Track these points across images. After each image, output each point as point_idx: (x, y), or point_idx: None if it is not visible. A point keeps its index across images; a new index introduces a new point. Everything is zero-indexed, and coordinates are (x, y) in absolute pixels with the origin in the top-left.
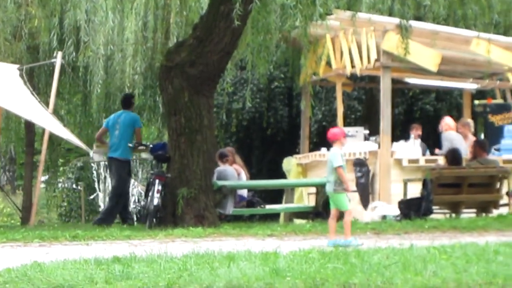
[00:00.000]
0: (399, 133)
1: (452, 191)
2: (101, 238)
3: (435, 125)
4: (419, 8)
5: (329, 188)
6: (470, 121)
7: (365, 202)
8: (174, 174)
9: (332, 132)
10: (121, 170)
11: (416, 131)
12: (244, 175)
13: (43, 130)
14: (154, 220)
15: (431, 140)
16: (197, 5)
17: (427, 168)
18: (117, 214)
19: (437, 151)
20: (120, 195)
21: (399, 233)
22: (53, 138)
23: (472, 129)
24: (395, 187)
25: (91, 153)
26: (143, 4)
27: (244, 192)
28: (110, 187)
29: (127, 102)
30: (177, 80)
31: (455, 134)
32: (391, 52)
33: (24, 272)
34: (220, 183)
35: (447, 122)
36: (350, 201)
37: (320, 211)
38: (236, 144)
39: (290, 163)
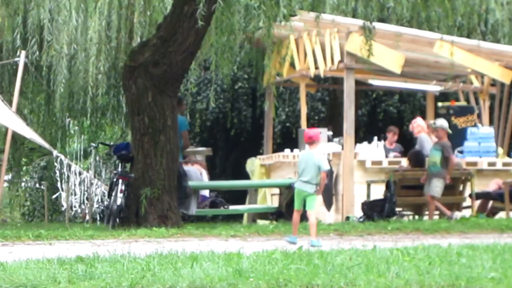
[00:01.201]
0: (363, 134)
1: (415, 193)
2: (64, 238)
3: (398, 127)
4: (383, 9)
5: (309, 189)
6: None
7: (328, 204)
8: (137, 174)
9: (312, 132)
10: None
11: (393, 136)
12: (205, 174)
13: (6, 129)
14: (117, 220)
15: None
16: (160, 5)
17: (390, 170)
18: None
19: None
20: (185, 195)
21: (362, 234)
22: (16, 137)
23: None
24: (358, 189)
25: (54, 153)
26: (106, 4)
27: (206, 192)
28: (73, 187)
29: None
30: (140, 80)
31: (427, 137)
32: (355, 53)
33: None
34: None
35: (419, 123)
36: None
37: (283, 212)
38: (200, 144)
39: (253, 164)
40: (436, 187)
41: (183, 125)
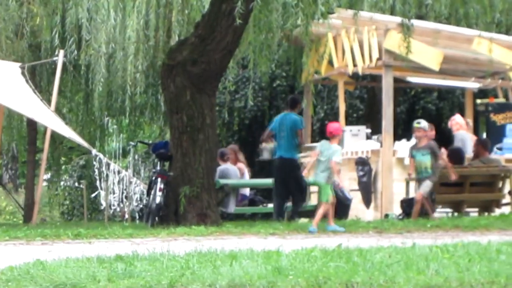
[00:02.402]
0: (401, 132)
1: (454, 190)
2: (103, 236)
3: (437, 124)
4: (421, 6)
5: (321, 179)
6: (469, 120)
7: (367, 201)
8: (176, 173)
9: (333, 127)
10: (296, 169)
11: (429, 132)
12: (247, 174)
13: (45, 128)
14: (157, 218)
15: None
16: (198, 4)
17: None
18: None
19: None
20: (303, 190)
21: (401, 232)
22: (55, 137)
23: (472, 129)
24: (397, 186)
25: (93, 151)
26: (144, 3)
27: (246, 191)
28: (112, 186)
29: (292, 103)
30: (179, 78)
31: (466, 134)
32: (393, 51)
33: (27, 270)
34: (222, 181)
35: (458, 121)
36: (352, 200)
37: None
38: (238, 143)
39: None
40: (426, 186)
41: (299, 124)
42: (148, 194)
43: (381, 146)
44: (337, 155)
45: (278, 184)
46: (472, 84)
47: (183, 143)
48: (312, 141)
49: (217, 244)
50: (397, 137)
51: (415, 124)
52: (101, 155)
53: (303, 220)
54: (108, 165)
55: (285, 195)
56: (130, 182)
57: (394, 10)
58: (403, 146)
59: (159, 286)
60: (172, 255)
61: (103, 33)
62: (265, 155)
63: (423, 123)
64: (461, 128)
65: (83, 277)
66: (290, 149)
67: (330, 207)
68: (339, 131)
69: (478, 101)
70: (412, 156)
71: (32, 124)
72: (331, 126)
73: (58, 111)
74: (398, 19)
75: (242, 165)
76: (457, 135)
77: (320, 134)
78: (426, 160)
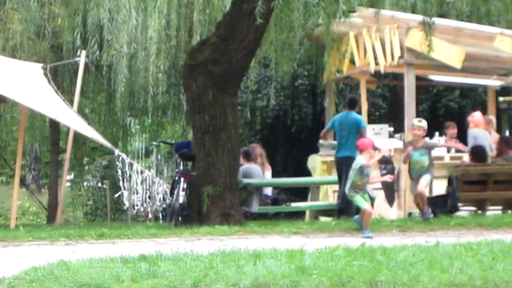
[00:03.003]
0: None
1: (477, 188)
2: (127, 236)
3: (459, 122)
4: (443, 5)
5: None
6: (492, 117)
7: (390, 200)
8: (199, 172)
9: (360, 141)
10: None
11: (452, 130)
12: (269, 173)
13: (68, 128)
14: (180, 218)
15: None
16: (220, 3)
17: (453, 165)
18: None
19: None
20: None
21: (424, 230)
22: (78, 137)
23: (494, 126)
24: None
25: (115, 152)
26: (166, 3)
27: (269, 190)
28: (135, 186)
29: (352, 103)
30: (201, 78)
31: (480, 131)
32: (415, 49)
33: (51, 271)
34: (245, 181)
35: (474, 119)
36: (375, 199)
37: (345, 209)
38: (261, 142)
39: (315, 161)
40: (425, 181)
41: (362, 123)
42: (171, 194)
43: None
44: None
45: (340, 182)
46: (494, 82)
47: (205, 142)
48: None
49: (241, 243)
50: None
51: (415, 122)
52: (124, 155)
53: (326, 219)
54: (131, 165)
55: None
56: (153, 182)
57: (416, 8)
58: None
59: (182, 286)
60: (196, 255)
61: (124, 33)
62: (323, 151)
63: (423, 122)
64: (477, 126)
65: (106, 278)
66: (352, 148)
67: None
68: (365, 146)
69: (501, 99)
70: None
71: (54, 125)
72: (359, 141)
73: (80, 111)
74: (419, 18)
75: (264, 165)
76: (470, 133)
77: None
78: (424, 159)
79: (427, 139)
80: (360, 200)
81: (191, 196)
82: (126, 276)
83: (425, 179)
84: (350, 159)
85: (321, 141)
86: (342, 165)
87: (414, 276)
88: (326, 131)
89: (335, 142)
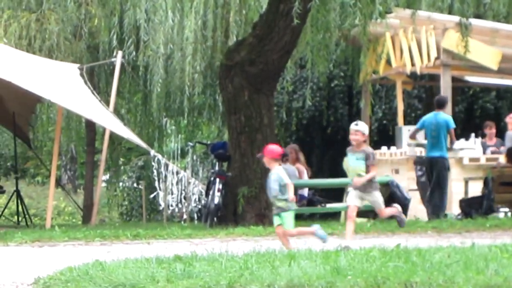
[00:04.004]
0: (460, 131)
1: None
2: (162, 237)
3: (496, 124)
4: (479, 6)
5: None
6: None
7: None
8: (234, 173)
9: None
10: (442, 168)
11: (490, 130)
12: (306, 174)
13: (104, 129)
14: (215, 219)
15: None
16: (256, 4)
17: (488, 167)
18: (445, 205)
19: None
20: (444, 189)
21: (460, 231)
22: (113, 137)
23: None
24: (456, 186)
25: (151, 152)
26: (202, 3)
27: (304, 191)
28: (170, 186)
29: (441, 103)
30: (237, 78)
31: None
32: (451, 50)
33: (86, 271)
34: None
35: (509, 120)
36: (410, 200)
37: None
38: (297, 143)
39: None
40: (379, 198)
41: (451, 123)
42: (207, 194)
43: None
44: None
45: (430, 182)
46: None
47: (241, 143)
48: (370, 141)
49: (276, 244)
50: (455, 136)
51: (352, 126)
52: (159, 156)
53: (361, 220)
54: (166, 165)
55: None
56: (189, 183)
57: (452, 9)
58: (462, 146)
59: (218, 287)
60: (231, 255)
61: (161, 33)
62: (411, 152)
63: (362, 125)
64: None
65: (142, 278)
66: (441, 148)
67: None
68: (274, 154)
69: None
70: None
71: (90, 125)
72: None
73: (116, 112)
74: (456, 18)
75: (301, 166)
76: (507, 135)
77: (378, 134)
78: (360, 165)
79: (368, 147)
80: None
81: (227, 197)
82: (161, 277)
83: (378, 199)
84: (440, 159)
85: (409, 141)
86: (432, 165)
87: (450, 278)
88: (415, 131)
89: (423, 142)
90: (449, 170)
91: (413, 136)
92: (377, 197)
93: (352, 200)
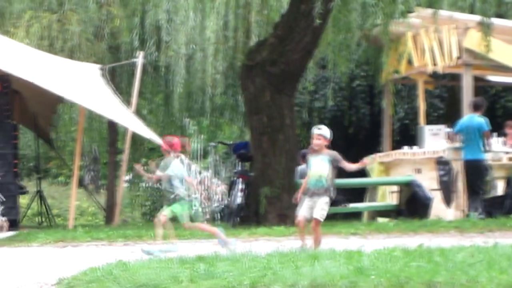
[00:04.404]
0: None
1: None
2: (185, 237)
3: None
4: (501, 5)
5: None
6: None
7: (448, 201)
8: (256, 173)
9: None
10: (478, 170)
11: (510, 129)
12: None
13: (126, 129)
14: (237, 219)
15: None
16: (277, 4)
17: (511, 167)
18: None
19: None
20: (482, 188)
21: (483, 231)
22: (135, 138)
23: None
24: None
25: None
26: (224, 4)
27: None
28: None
29: (476, 106)
30: (258, 79)
31: None
32: (473, 49)
33: (109, 271)
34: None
35: None
36: (433, 200)
37: (402, 209)
38: None
39: (372, 162)
40: (323, 210)
41: (485, 126)
42: (229, 194)
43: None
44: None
45: (468, 185)
46: None
47: (263, 143)
48: (392, 141)
49: (298, 244)
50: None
51: (314, 130)
52: (182, 156)
53: (384, 220)
54: (189, 166)
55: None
56: (211, 183)
57: (474, 8)
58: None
59: (240, 287)
60: (253, 255)
61: (182, 34)
62: (449, 155)
63: (324, 130)
64: None
65: (165, 278)
66: (477, 151)
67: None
68: (175, 146)
69: None
70: (308, 164)
71: (112, 126)
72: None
73: (138, 112)
74: (477, 18)
75: None
76: None
77: (400, 133)
78: (324, 166)
79: (330, 151)
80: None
81: (249, 197)
82: (184, 277)
83: (322, 206)
84: (476, 162)
85: (447, 145)
86: (469, 168)
87: (473, 277)
88: (453, 135)
89: (458, 145)
90: (487, 171)
91: (451, 140)
92: (323, 203)
93: (302, 211)
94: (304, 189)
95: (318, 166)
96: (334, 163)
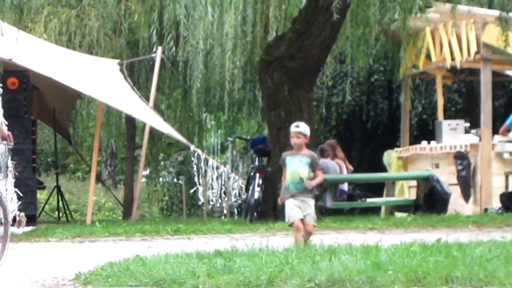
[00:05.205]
0: (500, 125)
1: None
2: (202, 232)
3: None
4: None
5: None
6: None
7: (466, 196)
8: (274, 168)
9: None
10: None
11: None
12: (345, 170)
13: (144, 124)
14: (255, 214)
15: None
16: None
17: None
18: None
19: None
20: None
21: (501, 226)
22: (153, 133)
23: None
24: (496, 180)
25: (191, 147)
26: None
27: (344, 186)
28: (210, 181)
29: None
30: (276, 74)
31: None
32: (492, 44)
33: (127, 266)
34: None
35: None
36: (451, 195)
37: (421, 204)
38: (336, 138)
39: (390, 157)
40: (313, 213)
41: None
42: (247, 189)
43: (480, 140)
44: None
45: None
46: None
47: (281, 138)
48: (410, 136)
49: (316, 239)
50: (495, 131)
51: (292, 128)
52: (199, 151)
53: (402, 215)
54: (206, 161)
55: None
56: (229, 178)
57: (492, 3)
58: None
59: (258, 282)
60: (271, 250)
61: (200, 29)
62: (500, 148)
63: (302, 127)
64: None
65: (182, 273)
66: None
67: None
68: None
69: None
70: (284, 164)
71: (130, 121)
72: None
73: (156, 107)
74: (496, 13)
75: (340, 161)
76: None
77: (418, 128)
78: (304, 168)
79: (309, 150)
80: None
81: (267, 192)
82: (202, 272)
83: (311, 212)
84: None
85: (499, 138)
86: None
87: (490, 272)
88: (505, 127)
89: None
90: None
91: (503, 133)
92: (312, 207)
93: (296, 213)
94: (284, 190)
95: (298, 166)
96: (312, 168)
